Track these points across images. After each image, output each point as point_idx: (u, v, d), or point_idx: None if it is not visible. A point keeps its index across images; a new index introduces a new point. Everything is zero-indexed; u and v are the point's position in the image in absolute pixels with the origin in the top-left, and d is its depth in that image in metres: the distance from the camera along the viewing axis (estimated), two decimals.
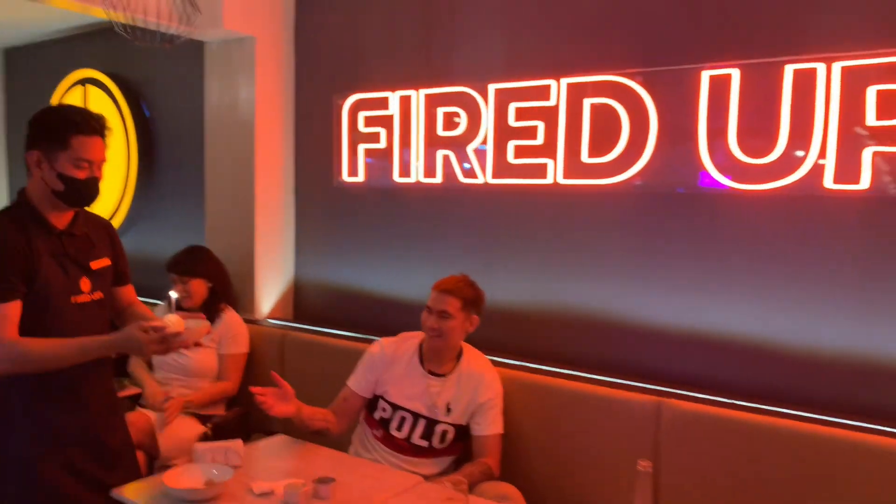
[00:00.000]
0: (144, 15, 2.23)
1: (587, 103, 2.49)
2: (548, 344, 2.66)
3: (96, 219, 2.05)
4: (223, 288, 3.07)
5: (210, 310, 2.96)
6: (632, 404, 2.23)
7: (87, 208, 1.97)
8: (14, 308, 1.78)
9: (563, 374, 2.45)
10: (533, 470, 2.36)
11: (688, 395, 2.20)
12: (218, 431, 2.83)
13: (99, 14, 2.69)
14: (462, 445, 2.39)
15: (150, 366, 2.99)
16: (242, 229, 3.30)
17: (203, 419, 2.90)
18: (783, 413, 2.05)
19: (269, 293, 3.34)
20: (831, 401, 2.11)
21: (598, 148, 2.49)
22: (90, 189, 1.88)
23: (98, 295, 1.96)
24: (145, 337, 1.79)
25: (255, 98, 3.22)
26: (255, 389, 2.13)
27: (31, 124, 1.87)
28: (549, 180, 2.59)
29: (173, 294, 1.96)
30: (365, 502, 1.86)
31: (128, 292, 2.13)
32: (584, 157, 2.51)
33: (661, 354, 2.40)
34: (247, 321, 3.12)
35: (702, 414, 2.12)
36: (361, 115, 3.08)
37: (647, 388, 2.27)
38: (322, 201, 3.32)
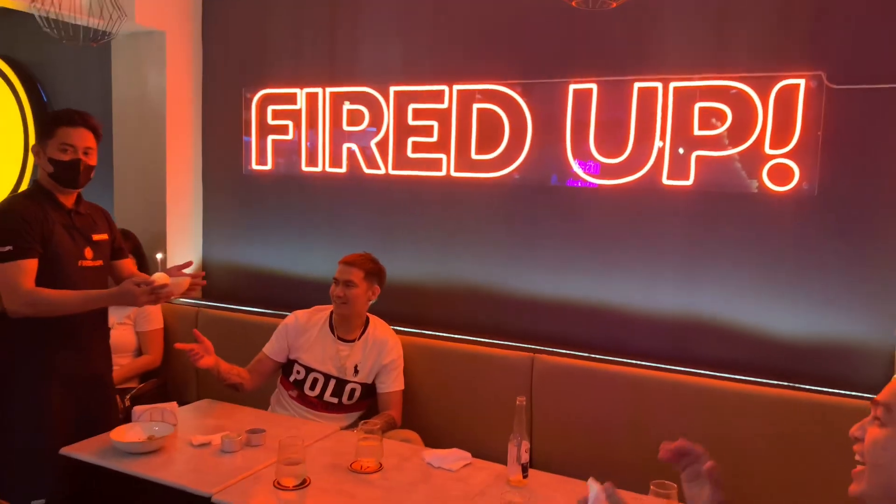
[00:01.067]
0: (71, 11, 2.40)
1: (475, 107, 2.90)
2: (441, 313, 3.07)
3: (95, 205, 2.50)
4: (142, 265, 3.26)
5: None
6: (510, 360, 2.69)
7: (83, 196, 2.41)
8: (32, 264, 2.20)
9: (453, 338, 2.88)
10: (429, 419, 2.78)
11: (554, 351, 2.69)
12: (136, 403, 3.03)
13: (21, 7, 2.79)
14: (368, 402, 2.76)
15: None
16: (153, 214, 3.47)
17: (121, 393, 3.09)
18: (625, 362, 2.58)
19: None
20: (663, 351, 2.66)
21: (484, 146, 2.91)
22: (75, 168, 2.29)
23: (98, 262, 2.41)
24: (138, 290, 2.19)
25: (165, 90, 3.40)
26: (179, 346, 2.42)
27: (34, 126, 2.29)
28: (442, 173, 2.99)
29: (159, 255, 2.31)
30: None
31: (128, 264, 2.60)
32: (473, 153, 2.93)
33: (533, 318, 2.88)
34: None
35: (565, 365, 2.61)
36: (270, 108, 3.35)
37: (522, 346, 2.74)
38: (231, 188, 3.55)
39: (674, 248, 2.65)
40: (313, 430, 2.36)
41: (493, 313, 2.97)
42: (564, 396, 2.59)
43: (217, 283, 3.61)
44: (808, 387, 2.35)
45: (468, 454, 2.14)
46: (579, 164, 2.76)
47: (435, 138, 3.00)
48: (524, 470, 1.98)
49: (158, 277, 2.26)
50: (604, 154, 2.71)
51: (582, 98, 2.73)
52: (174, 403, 2.35)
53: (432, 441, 2.56)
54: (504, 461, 2.07)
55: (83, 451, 2.09)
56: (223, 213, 3.60)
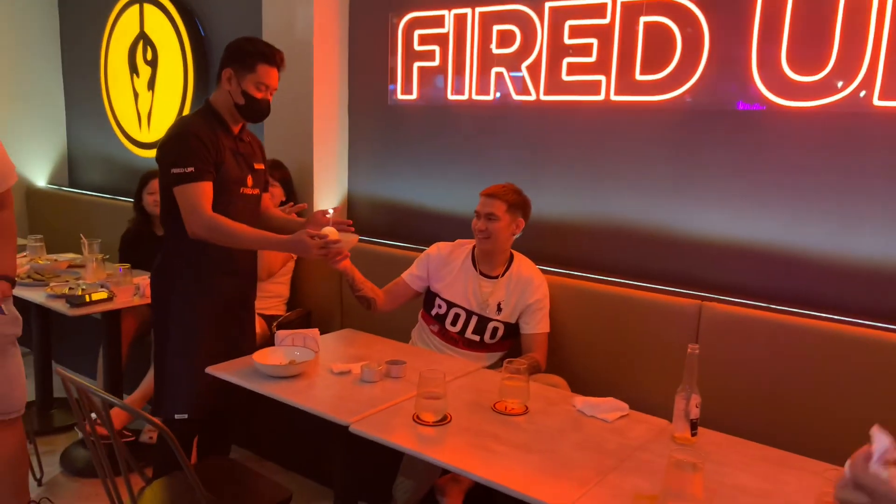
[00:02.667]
0: None
1: (641, 21, 2.57)
2: (592, 253, 2.82)
3: (253, 134, 2.48)
4: (291, 200, 3.26)
5: None
6: (673, 307, 2.40)
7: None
8: (210, 187, 2.20)
9: (606, 280, 2.62)
10: (576, 365, 2.56)
11: (726, 300, 2.35)
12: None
13: None
14: (511, 343, 2.59)
15: None
16: (301, 147, 3.45)
17: (268, 319, 3.14)
18: (811, 315, 2.21)
19: (325, 206, 3.52)
20: (857, 304, 2.25)
21: (650, 65, 2.58)
22: (263, 108, 2.31)
23: (256, 191, 2.42)
24: (311, 241, 2.13)
25: (313, 18, 3.32)
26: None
27: (229, 49, 2.29)
28: (600, 96, 2.70)
29: (329, 209, 2.33)
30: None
31: (267, 198, 2.58)
32: (637, 73, 2.60)
33: (701, 262, 2.55)
34: None
35: (739, 316, 2.28)
36: (416, 33, 3.18)
37: (687, 292, 2.43)
38: (376, 120, 3.45)
39: (884, 186, 2.21)
40: (454, 367, 2.23)
41: (654, 255, 2.67)
42: (737, 350, 2.27)
43: (360, 216, 3.56)
44: None
45: (625, 405, 1.91)
46: (765, 84, 2.36)
47: (593, 58, 2.69)
48: (693, 427, 1.72)
49: (330, 232, 2.19)
50: (797, 71, 2.30)
51: (772, 2, 2.31)
52: (316, 330, 2.30)
53: (579, 389, 2.35)
54: (663, 416, 1.83)
55: (227, 370, 2.08)
56: (368, 145, 3.52)
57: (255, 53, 2.25)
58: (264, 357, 2.09)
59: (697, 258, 2.56)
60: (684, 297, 2.41)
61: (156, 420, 1.75)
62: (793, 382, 2.17)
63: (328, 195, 3.53)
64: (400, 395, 1.94)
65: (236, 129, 2.33)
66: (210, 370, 2.10)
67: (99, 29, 4.60)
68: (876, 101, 2.18)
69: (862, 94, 2.19)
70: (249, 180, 2.36)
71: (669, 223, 2.62)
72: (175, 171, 2.16)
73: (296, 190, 3.39)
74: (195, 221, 2.16)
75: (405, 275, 2.65)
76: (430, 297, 2.63)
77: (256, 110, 2.29)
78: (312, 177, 3.44)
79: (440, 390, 1.76)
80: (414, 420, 1.78)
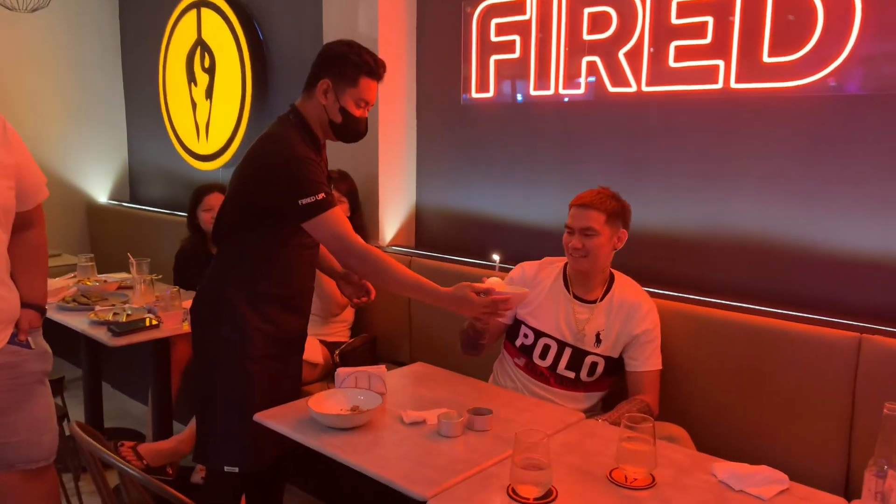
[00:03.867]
0: None
1: None
2: (707, 273, 2.37)
3: None
4: (356, 214, 2.95)
5: None
6: (822, 340, 1.92)
7: None
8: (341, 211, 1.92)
9: (728, 305, 2.16)
10: (697, 410, 2.12)
11: (891, 331, 1.87)
12: (345, 359, 2.74)
13: None
14: (612, 381, 2.17)
15: None
16: (365, 155, 3.13)
17: (330, 347, 2.81)
18: None
19: (391, 219, 3.18)
20: None
21: (781, 45, 2.12)
22: (362, 129, 1.99)
23: None
24: (477, 299, 1.81)
25: (377, 12, 3.00)
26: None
27: (326, 54, 1.94)
28: (718, 85, 2.25)
29: (496, 257, 1.99)
30: None
31: None
32: (765, 55, 2.15)
33: (855, 284, 2.07)
34: None
35: None
36: (493, 22, 2.81)
37: (840, 322, 1.95)
38: (447, 121, 3.09)
39: None
40: (551, 416, 1.83)
41: (789, 276, 2.19)
42: None
43: (430, 228, 3.21)
44: None
45: (784, 476, 1.46)
46: None
47: (708, 39, 2.25)
48: None
49: (495, 284, 1.83)
50: None
51: None
52: (383, 368, 1.94)
53: (704, 444, 1.91)
54: (823, 486, 1.40)
55: (278, 418, 1.74)
56: (438, 150, 3.16)
57: (359, 65, 1.90)
58: (321, 403, 1.74)
59: (849, 280, 2.08)
60: (838, 328, 1.93)
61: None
62: None
63: (396, 208, 3.19)
64: (488, 457, 1.54)
65: (324, 147, 2.02)
66: (258, 418, 1.76)
67: (157, 37, 4.41)
68: None
69: None
70: None
71: (807, 236, 2.15)
72: (305, 202, 1.81)
73: (361, 202, 3.06)
74: (348, 253, 1.88)
75: None
76: (514, 324, 2.24)
77: (354, 131, 1.97)
78: (377, 188, 3.10)
79: (544, 458, 1.36)
80: (509, 495, 1.38)
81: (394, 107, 3.13)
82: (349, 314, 2.95)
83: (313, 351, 2.68)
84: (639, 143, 2.49)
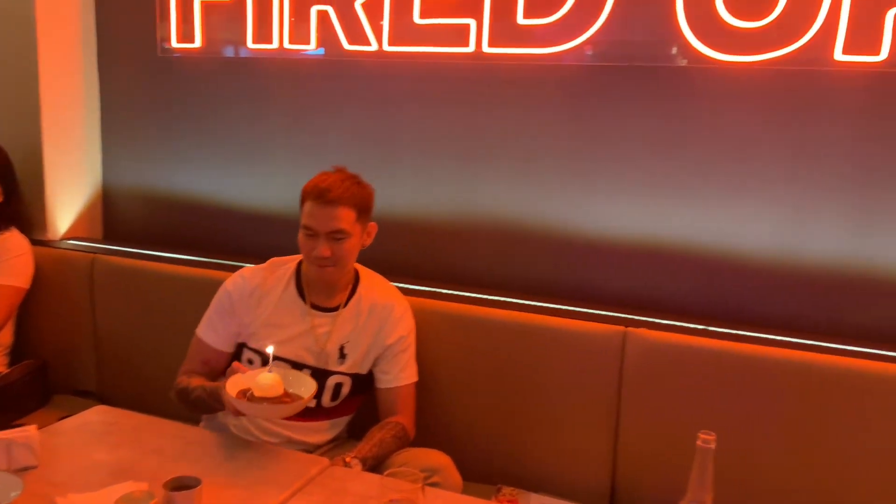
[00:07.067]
0: None
1: None
2: (465, 264, 2.10)
3: None
4: (12, 199, 2.17)
5: None
6: (587, 336, 1.73)
7: None
8: None
9: (486, 300, 1.90)
10: (456, 427, 1.82)
11: (658, 323, 1.75)
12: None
13: None
14: (360, 400, 1.78)
15: None
16: (21, 120, 2.34)
17: None
18: (767, 339, 1.67)
19: (66, 205, 2.46)
20: (810, 322, 1.78)
21: (537, 5, 1.89)
22: None
23: None
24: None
25: None
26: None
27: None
28: (469, 48, 1.98)
29: (270, 349, 1.52)
30: None
31: None
32: (520, 16, 1.91)
33: (620, 272, 1.94)
34: (34, 242, 2.23)
35: (675, 345, 1.66)
36: None
37: (607, 315, 1.79)
38: (141, 79, 2.46)
39: (844, 166, 1.72)
40: (287, 469, 1.37)
41: (553, 264, 2.00)
42: (673, 391, 1.66)
43: (124, 216, 2.55)
44: None
45: None
46: (695, 31, 1.77)
47: None
48: None
49: (267, 384, 1.39)
50: (737, 15, 1.73)
51: None
52: (32, 429, 1.31)
53: (469, 471, 1.62)
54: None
55: None
56: (132, 115, 2.50)
57: None
58: None
59: (613, 268, 1.94)
60: (602, 322, 1.75)
61: None
62: (757, 429, 1.60)
63: (72, 189, 2.47)
64: None
65: None
66: None
67: None
68: (838, 56, 1.67)
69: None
70: None
71: (566, 220, 1.97)
72: None
73: (19, 182, 2.26)
74: None
75: (203, 334, 1.72)
76: (234, 348, 1.73)
77: None
78: (42, 163, 2.35)
79: None
80: None
81: (64, 56, 2.39)
82: (5, 335, 2.17)
83: None
84: (384, 112, 2.13)
